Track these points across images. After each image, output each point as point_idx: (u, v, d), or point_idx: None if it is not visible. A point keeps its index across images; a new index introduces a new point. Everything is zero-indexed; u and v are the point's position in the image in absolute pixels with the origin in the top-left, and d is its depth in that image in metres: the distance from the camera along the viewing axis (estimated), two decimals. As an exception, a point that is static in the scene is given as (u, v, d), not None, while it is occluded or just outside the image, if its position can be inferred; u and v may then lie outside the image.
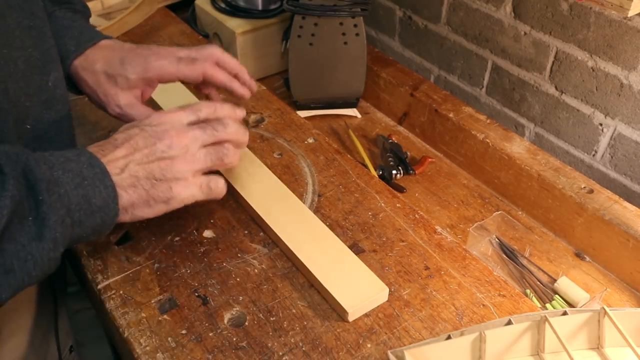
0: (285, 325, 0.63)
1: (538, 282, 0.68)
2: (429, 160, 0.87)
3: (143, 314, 0.63)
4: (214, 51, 0.68)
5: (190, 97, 0.86)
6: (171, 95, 0.86)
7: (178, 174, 0.56)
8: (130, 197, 0.53)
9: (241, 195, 0.75)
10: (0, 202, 0.42)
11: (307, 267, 0.66)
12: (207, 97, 0.75)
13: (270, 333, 0.62)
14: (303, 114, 0.97)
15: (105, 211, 0.50)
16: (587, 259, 0.73)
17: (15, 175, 0.43)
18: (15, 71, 0.52)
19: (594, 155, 0.86)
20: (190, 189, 0.57)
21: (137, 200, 0.54)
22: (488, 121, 0.86)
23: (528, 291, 0.70)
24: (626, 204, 0.73)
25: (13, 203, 0.42)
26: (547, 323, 0.56)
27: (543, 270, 0.70)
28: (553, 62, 0.86)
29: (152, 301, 0.64)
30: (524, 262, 0.71)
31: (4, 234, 0.42)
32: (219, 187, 0.60)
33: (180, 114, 0.58)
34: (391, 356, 0.57)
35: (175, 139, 0.56)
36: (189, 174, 0.57)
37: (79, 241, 0.51)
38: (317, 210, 0.75)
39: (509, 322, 0.57)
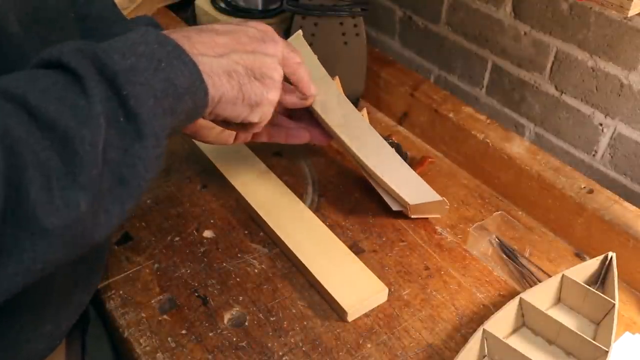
0: (285, 325, 0.63)
1: (538, 282, 0.68)
2: (429, 160, 0.87)
3: (143, 314, 0.63)
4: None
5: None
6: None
7: (274, 79, 0.53)
8: (222, 86, 0.48)
9: (241, 195, 0.75)
10: (92, 109, 0.37)
11: (307, 267, 0.66)
12: None
13: (270, 333, 0.62)
14: (303, 114, 0.97)
15: (193, 91, 0.44)
16: (587, 259, 0.73)
17: (92, 74, 0.38)
18: None
19: (594, 155, 0.86)
20: (276, 99, 0.54)
21: (228, 93, 0.49)
22: (488, 121, 0.86)
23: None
24: (626, 204, 0.73)
25: (103, 107, 0.38)
26: None
27: (543, 270, 0.70)
28: (553, 62, 0.86)
29: (152, 301, 0.64)
30: (524, 262, 0.71)
31: (105, 144, 0.38)
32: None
33: (282, 41, 0.56)
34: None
35: (272, 45, 0.53)
36: (279, 83, 0.54)
37: (177, 131, 0.47)
38: (317, 210, 0.76)
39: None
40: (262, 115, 0.53)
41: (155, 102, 0.41)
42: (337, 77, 0.72)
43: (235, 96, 0.50)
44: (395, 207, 0.74)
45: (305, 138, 0.68)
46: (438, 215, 0.76)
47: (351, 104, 0.69)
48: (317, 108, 0.66)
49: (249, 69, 0.50)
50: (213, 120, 0.53)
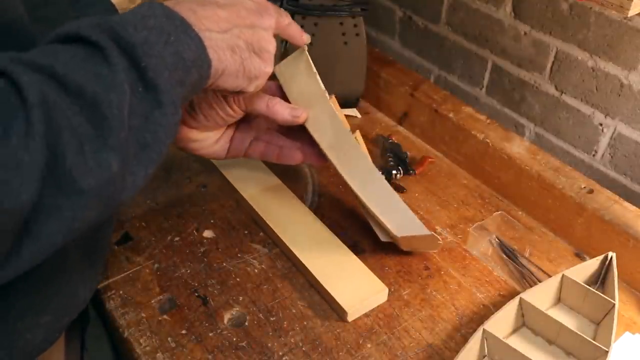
0: (285, 325, 0.63)
1: (538, 282, 0.68)
2: (429, 160, 0.87)
3: (143, 314, 0.63)
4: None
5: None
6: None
7: (270, 52, 0.55)
8: (226, 60, 0.50)
9: (241, 195, 0.75)
10: (116, 77, 0.39)
11: (307, 267, 0.66)
12: None
13: (270, 333, 0.62)
14: (303, 114, 0.97)
15: (199, 64, 0.47)
16: (587, 258, 0.73)
17: (112, 45, 0.40)
18: None
19: (594, 155, 0.86)
20: (270, 71, 0.56)
21: (230, 67, 0.51)
22: (488, 121, 0.86)
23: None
24: (626, 204, 0.73)
25: (126, 75, 0.40)
26: None
27: (543, 270, 0.70)
28: (553, 62, 0.86)
29: (152, 301, 0.64)
30: (524, 262, 0.71)
31: (129, 110, 0.40)
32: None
33: (275, 11, 0.57)
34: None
35: (267, 18, 0.55)
36: (273, 54, 0.56)
37: (184, 101, 0.49)
38: (317, 210, 0.75)
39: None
40: (257, 86, 0.55)
41: (169, 74, 0.43)
42: (333, 97, 0.69)
43: (237, 69, 0.52)
44: (383, 238, 0.70)
45: (298, 159, 0.66)
46: (432, 250, 0.73)
47: (345, 126, 0.65)
48: (309, 127, 0.63)
49: (249, 43, 0.52)
50: (211, 88, 0.54)
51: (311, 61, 0.63)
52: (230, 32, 0.50)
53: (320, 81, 0.63)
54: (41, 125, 0.35)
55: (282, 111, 0.61)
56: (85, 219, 0.39)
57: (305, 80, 0.63)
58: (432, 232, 0.65)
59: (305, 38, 0.62)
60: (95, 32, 0.41)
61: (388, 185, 0.65)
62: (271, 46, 0.55)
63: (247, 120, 0.66)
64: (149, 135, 0.42)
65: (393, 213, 0.66)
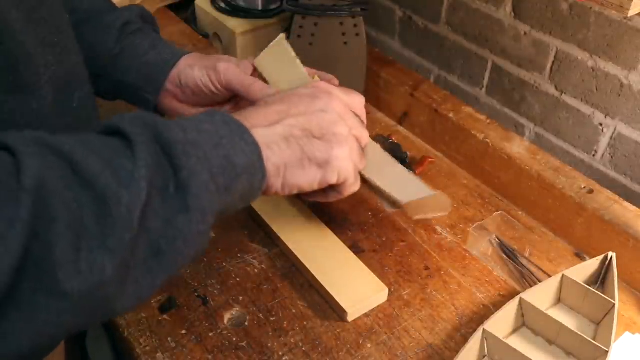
0: (285, 325, 0.63)
1: (538, 282, 0.68)
2: (429, 160, 0.87)
3: (143, 314, 0.63)
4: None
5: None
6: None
7: (337, 132, 0.51)
8: (283, 153, 0.47)
9: (241, 195, 0.75)
10: (135, 173, 0.36)
11: (307, 267, 0.66)
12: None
13: (270, 333, 0.62)
14: (303, 114, 0.96)
15: (252, 172, 0.44)
16: (587, 259, 0.73)
17: (145, 140, 0.38)
18: (41, 91, 0.48)
19: (594, 155, 0.86)
20: (348, 153, 0.52)
21: (291, 159, 0.48)
22: (488, 121, 0.86)
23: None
24: (626, 204, 0.73)
25: (149, 172, 0.37)
26: None
27: (543, 270, 0.70)
28: (553, 62, 0.86)
29: (152, 301, 0.64)
30: (524, 262, 0.71)
31: (146, 210, 0.36)
32: (362, 161, 0.55)
33: (338, 92, 0.55)
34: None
35: (326, 99, 0.52)
36: (348, 137, 0.52)
37: (227, 211, 0.45)
38: (317, 211, 0.75)
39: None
40: (339, 173, 0.52)
41: (211, 177, 0.40)
42: (316, 77, 0.69)
43: (299, 159, 0.49)
44: (389, 208, 0.69)
45: None
46: (443, 214, 0.72)
47: None
48: None
49: (306, 129, 0.49)
50: (287, 191, 0.51)
51: (291, 48, 0.63)
52: (282, 124, 0.48)
53: (301, 65, 0.64)
54: (26, 213, 0.32)
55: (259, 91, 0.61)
56: (63, 326, 0.35)
57: (287, 68, 0.63)
58: (438, 191, 0.63)
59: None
60: (134, 124, 0.39)
61: (385, 152, 0.64)
62: (338, 127, 0.51)
63: (237, 105, 0.66)
64: (165, 242, 0.38)
65: (393, 179, 0.64)
